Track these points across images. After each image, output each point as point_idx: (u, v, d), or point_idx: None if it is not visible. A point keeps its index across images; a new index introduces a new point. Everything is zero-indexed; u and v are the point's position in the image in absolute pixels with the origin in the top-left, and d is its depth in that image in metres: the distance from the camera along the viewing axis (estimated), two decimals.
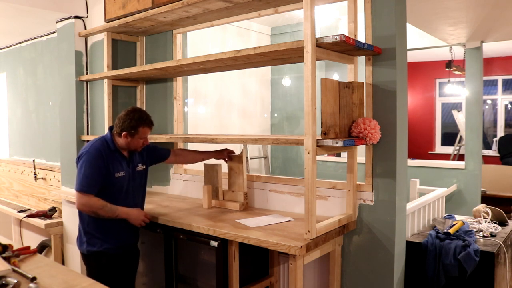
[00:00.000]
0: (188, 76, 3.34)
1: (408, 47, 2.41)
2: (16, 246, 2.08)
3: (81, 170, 2.34)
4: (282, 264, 2.62)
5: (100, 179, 2.36)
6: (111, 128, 2.51)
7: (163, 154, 2.80)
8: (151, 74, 3.10)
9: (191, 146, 3.51)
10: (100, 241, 2.44)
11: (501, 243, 2.42)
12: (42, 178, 4.19)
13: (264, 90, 5.31)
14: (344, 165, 2.38)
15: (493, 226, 2.70)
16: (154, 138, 2.93)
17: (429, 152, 7.72)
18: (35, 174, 4.23)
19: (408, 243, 2.42)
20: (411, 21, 3.54)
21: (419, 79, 7.59)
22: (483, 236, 2.55)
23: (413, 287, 2.40)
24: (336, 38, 1.90)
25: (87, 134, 3.56)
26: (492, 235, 2.55)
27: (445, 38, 4.39)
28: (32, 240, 4.12)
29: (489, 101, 7.49)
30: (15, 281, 1.65)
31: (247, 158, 4.60)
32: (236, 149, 2.96)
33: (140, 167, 2.62)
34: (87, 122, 3.58)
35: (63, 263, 3.71)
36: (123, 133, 2.41)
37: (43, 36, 4.33)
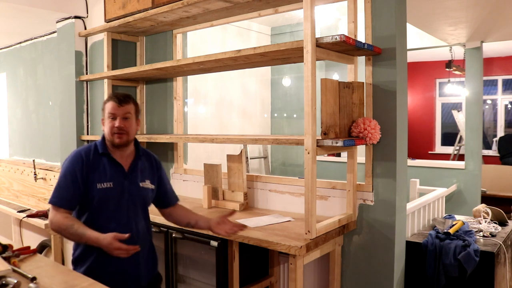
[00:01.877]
0: (188, 76, 3.34)
1: (408, 47, 2.41)
2: (16, 246, 2.08)
3: (58, 179, 1.90)
4: (282, 264, 2.62)
5: (76, 190, 1.84)
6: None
7: (170, 197, 2.13)
8: (151, 74, 3.10)
9: (191, 146, 3.51)
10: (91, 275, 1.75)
11: (501, 243, 2.42)
12: (42, 178, 4.19)
13: (264, 90, 5.31)
14: (344, 165, 2.38)
15: (493, 226, 2.70)
16: (154, 138, 2.93)
17: (429, 152, 7.71)
18: (35, 174, 4.23)
19: (408, 243, 2.42)
20: (411, 21, 3.54)
21: (419, 79, 7.59)
22: (483, 236, 2.55)
23: (413, 287, 2.40)
24: (336, 38, 1.90)
25: (87, 134, 3.56)
26: (492, 235, 2.55)
27: (445, 38, 4.39)
28: (32, 240, 4.12)
29: (489, 101, 7.49)
30: (15, 281, 1.65)
31: (247, 158, 4.61)
32: (236, 149, 2.96)
33: (147, 183, 1.99)
34: (87, 122, 3.58)
35: (63, 263, 3.71)
36: (101, 119, 1.98)
37: (43, 36, 4.33)
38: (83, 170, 1.86)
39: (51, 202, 1.84)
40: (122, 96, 1.94)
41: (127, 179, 1.93)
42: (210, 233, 2.07)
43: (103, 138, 1.96)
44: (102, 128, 1.96)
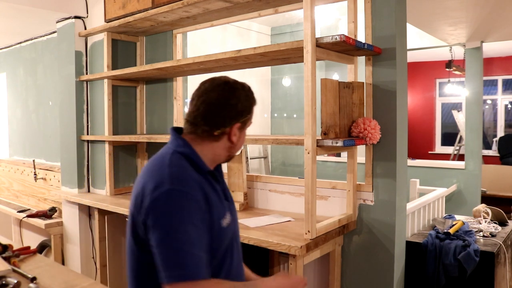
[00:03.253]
0: (188, 76, 3.34)
1: (408, 47, 2.41)
2: (16, 246, 2.08)
3: (170, 235, 1.12)
4: (282, 264, 2.62)
5: (208, 240, 1.22)
6: (175, 130, 1.40)
7: None
8: (151, 74, 3.10)
9: None
10: None
11: (501, 243, 2.42)
12: (42, 178, 4.19)
13: (264, 90, 5.31)
14: (344, 165, 2.38)
15: (493, 226, 2.70)
16: (154, 138, 2.93)
17: (429, 152, 7.72)
18: (35, 174, 4.23)
19: (408, 243, 2.42)
20: (411, 21, 3.54)
21: (419, 79, 7.59)
22: (483, 236, 2.55)
23: (413, 287, 2.40)
24: (336, 38, 1.90)
25: (87, 134, 3.56)
26: (492, 235, 2.55)
27: (445, 38, 4.40)
28: (32, 240, 4.12)
29: (489, 101, 7.49)
30: (15, 281, 1.65)
31: (247, 158, 4.61)
32: None
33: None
34: (87, 122, 3.58)
35: (63, 263, 3.71)
36: (236, 125, 1.33)
37: (43, 36, 4.33)
38: (208, 208, 1.23)
39: (186, 277, 1.10)
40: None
41: (230, 200, 1.41)
42: None
43: (187, 143, 1.33)
44: (233, 138, 1.35)
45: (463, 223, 2.64)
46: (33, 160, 4.29)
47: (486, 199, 4.75)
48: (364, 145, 2.24)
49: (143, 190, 1.21)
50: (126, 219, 2.92)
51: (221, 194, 1.34)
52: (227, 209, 1.34)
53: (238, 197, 2.76)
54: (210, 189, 1.28)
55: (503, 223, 2.80)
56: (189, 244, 1.12)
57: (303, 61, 1.96)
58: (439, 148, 7.79)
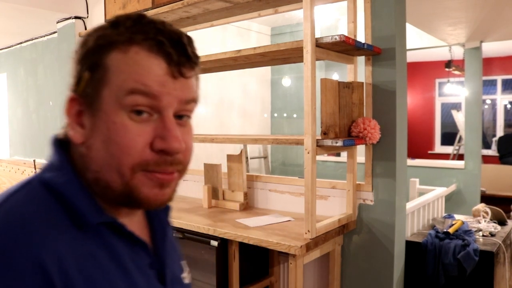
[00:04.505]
0: None
1: (407, 47, 2.41)
2: None
3: None
4: (282, 263, 2.63)
5: None
6: (57, 143, 0.71)
7: None
8: None
9: None
10: None
11: (500, 242, 2.42)
12: None
13: (264, 90, 5.31)
14: (344, 165, 2.39)
15: (493, 226, 2.71)
16: None
17: (429, 151, 7.72)
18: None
19: (408, 243, 2.43)
20: (410, 21, 3.55)
21: (418, 79, 7.60)
22: (483, 235, 2.56)
23: (412, 286, 2.41)
24: (335, 38, 1.91)
25: None
26: (492, 235, 2.56)
27: (444, 38, 4.40)
28: None
29: (488, 101, 7.50)
30: None
31: (247, 158, 4.61)
32: (236, 149, 2.96)
33: (187, 273, 0.93)
34: None
35: None
36: (68, 100, 0.69)
37: (44, 36, 4.33)
38: None
39: None
40: (186, 44, 0.69)
41: (168, 278, 0.77)
42: (211, 232, 2.10)
43: (65, 159, 0.70)
44: (73, 138, 0.69)
45: (463, 222, 2.64)
46: (34, 160, 4.29)
47: (486, 198, 4.75)
48: (364, 145, 2.24)
49: None
50: None
51: (127, 268, 0.66)
52: None
53: (238, 197, 2.77)
54: (104, 260, 0.63)
55: (502, 223, 2.81)
56: None
57: (303, 61, 1.97)
58: (439, 148, 7.80)
